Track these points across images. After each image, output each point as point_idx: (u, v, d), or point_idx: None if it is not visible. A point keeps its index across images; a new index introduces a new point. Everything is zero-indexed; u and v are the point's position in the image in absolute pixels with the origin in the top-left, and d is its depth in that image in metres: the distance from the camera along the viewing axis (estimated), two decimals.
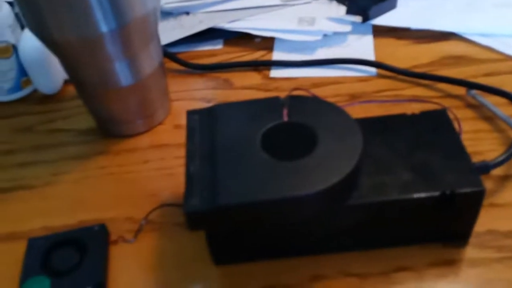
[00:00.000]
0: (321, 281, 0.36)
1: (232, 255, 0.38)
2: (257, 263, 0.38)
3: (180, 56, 0.59)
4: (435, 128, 0.38)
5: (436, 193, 0.34)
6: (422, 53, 0.55)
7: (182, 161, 0.47)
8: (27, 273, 0.38)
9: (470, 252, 0.37)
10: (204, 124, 0.38)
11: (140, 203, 0.43)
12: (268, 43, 0.60)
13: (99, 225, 0.41)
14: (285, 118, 0.37)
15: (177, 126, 0.52)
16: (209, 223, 0.33)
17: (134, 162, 0.48)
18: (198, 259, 0.39)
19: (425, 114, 0.39)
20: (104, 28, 0.41)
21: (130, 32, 0.42)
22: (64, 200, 0.45)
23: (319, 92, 0.40)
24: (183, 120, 0.52)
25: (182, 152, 0.48)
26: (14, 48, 0.54)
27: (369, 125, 0.37)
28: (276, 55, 0.58)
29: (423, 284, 0.35)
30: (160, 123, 0.52)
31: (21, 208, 0.45)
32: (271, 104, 0.38)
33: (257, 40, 0.61)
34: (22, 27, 0.55)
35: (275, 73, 0.56)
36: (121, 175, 0.47)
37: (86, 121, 0.53)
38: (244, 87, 0.55)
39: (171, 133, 0.51)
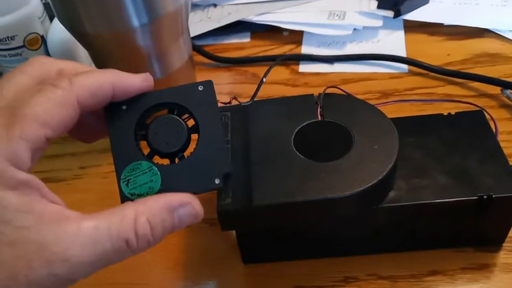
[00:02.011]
0: (352, 283, 0.36)
1: (261, 254, 0.37)
2: (287, 263, 0.37)
3: (206, 49, 0.58)
4: (472, 130, 0.37)
5: (473, 198, 0.33)
6: (455, 50, 0.54)
7: None
8: (123, 158, 0.27)
9: (503, 257, 0.36)
10: (236, 121, 0.37)
11: None
12: (296, 36, 0.59)
13: (204, 83, 0.29)
14: (319, 117, 0.36)
15: None
16: (242, 223, 0.33)
17: None
18: (226, 257, 0.39)
19: (461, 115, 0.39)
20: (135, 22, 0.40)
21: (161, 26, 0.42)
22: (92, 194, 0.45)
23: (350, 88, 0.40)
24: None
25: None
26: (43, 39, 0.54)
27: (404, 125, 0.36)
28: (305, 49, 0.57)
29: None
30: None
31: None
32: (304, 102, 0.37)
33: (285, 33, 0.60)
34: (51, 19, 0.55)
35: (304, 67, 0.55)
36: None
37: None
38: (272, 82, 0.54)
39: None
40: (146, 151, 0.28)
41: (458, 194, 0.33)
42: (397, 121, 0.35)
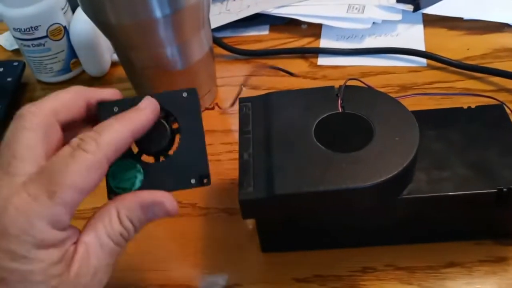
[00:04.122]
0: (369, 273, 0.36)
1: (280, 243, 0.38)
2: (305, 253, 0.38)
3: (225, 41, 0.59)
4: (492, 123, 0.37)
5: (493, 190, 0.33)
6: (474, 44, 0.54)
7: (229, 147, 0.47)
8: None
9: None
10: (257, 111, 0.38)
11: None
12: (315, 29, 0.59)
13: (188, 91, 0.31)
14: (339, 109, 0.36)
15: (223, 112, 0.52)
16: (263, 211, 0.33)
17: None
18: (244, 246, 0.39)
19: (481, 109, 0.39)
20: (158, 13, 0.41)
21: (183, 18, 0.43)
22: None
23: (368, 81, 0.40)
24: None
25: (229, 138, 0.48)
26: (65, 30, 0.55)
27: (424, 118, 0.36)
28: (324, 43, 0.57)
29: (472, 280, 0.35)
30: (206, 109, 0.52)
31: None
32: (325, 94, 0.38)
33: (303, 26, 0.60)
34: (73, 10, 0.56)
35: (322, 60, 0.55)
36: None
37: None
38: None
39: (218, 119, 0.51)
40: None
41: (478, 186, 0.33)
42: (417, 114, 0.35)
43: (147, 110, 0.29)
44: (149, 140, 0.30)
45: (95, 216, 0.28)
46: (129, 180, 0.30)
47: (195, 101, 0.31)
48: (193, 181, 0.30)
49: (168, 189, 0.30)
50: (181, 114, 0.31)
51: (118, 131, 0.28)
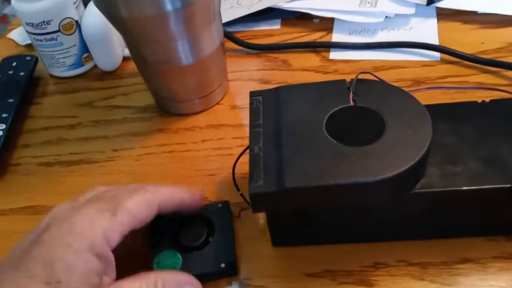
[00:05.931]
0: (381, 269, 0.36)
1: (291, 237, 0.38)
2: (316, 247, 0.38)
3: (236, 36, 0.58)
4: (506, 118, 0.37)
5: (507, 185, 0.32)
6: (489, 38, 0.53)
7: (240, 142, 0.47)
8: (159, 247, 0.38)
9: None
10: (267, 105, 0.38)
11: (199, 182, 0.44)
12: (327, 24, 0.59)
13: (222, 203, 0.41)
14: (351, 102, 0.36)
15: (234, 107, 0.52)
16: (273, 205, 0.33)
17: (192, 141, 0.48)
18: (255, 240, 0.39)
19: (495, 103, 0.38)
20: (169, 7, 0.41)
21: (194, 11, 0.42)
22: (126, 176, 0.46)
23: (381, 76, 0.39)
24: (240, 101, 0.52)
25: (240, 132, 0.48)
26: (77, 24, 0.55)
27: (437, 111, 0.36)
28: (336, 37, 0.57)
29: (486, 276, 0.35)
30: (217, 103, 0.52)
31: (86, 181, 0.47)
32: (336, 87, 0.37)
33: (315, 20, 0.60)
34: (85, 4, 0.56)
35: (334, 55, 0.55)
36: (181, 153, 0.47)
37: (144, 99, 0.54)
38: (303, 69, 0.54)
39: (229, 113, 0.51)
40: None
41: (492, 181, 0.33)
42: (430, 107, 0.35)
43: (189, 195, 0.37)
44: (190, 236, 0.38)
45: (139, 274, 0.32)
46: (170, 267, 0.36)
47: (227, 211, 0.40)
48: (222, 265, 0.37)
49: (197, 274, 0.35)
50: (216, 219, 0.39)
51: (168, 192, 0.35)
